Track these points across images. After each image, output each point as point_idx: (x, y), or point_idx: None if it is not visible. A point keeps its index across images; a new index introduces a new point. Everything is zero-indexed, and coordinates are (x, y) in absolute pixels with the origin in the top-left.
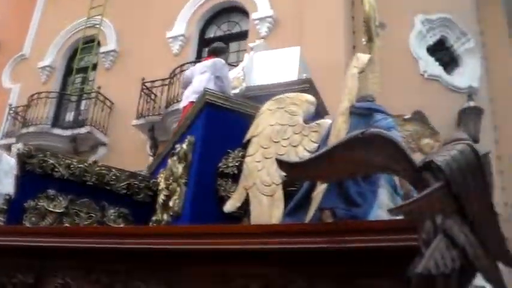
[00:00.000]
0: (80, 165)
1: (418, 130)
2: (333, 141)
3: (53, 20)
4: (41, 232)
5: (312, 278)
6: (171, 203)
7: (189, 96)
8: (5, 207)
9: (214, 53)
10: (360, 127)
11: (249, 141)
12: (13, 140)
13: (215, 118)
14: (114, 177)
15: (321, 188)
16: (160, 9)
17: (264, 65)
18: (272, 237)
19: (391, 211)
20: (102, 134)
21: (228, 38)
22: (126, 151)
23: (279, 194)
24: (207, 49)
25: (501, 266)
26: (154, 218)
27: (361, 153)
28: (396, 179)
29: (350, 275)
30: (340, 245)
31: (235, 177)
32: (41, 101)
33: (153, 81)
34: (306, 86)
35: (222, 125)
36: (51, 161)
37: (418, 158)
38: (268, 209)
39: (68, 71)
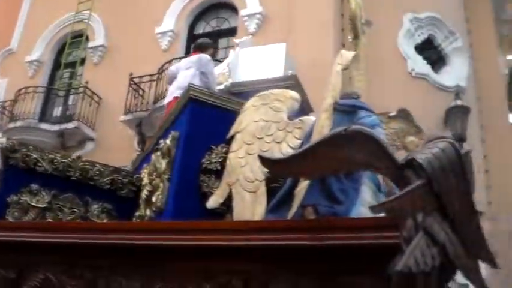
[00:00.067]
0: (63, 160)
1: (403, 128)
2: (316, 137)
3: (41, 14)
4: (24, 227)
5: (294, 274)
6: (154, 199)
7: (173, 91)
8: None
9: (200, 49)
10: (343, 124)
11: (232, 137)
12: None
13: (199, 114)
14: (97, 173)
15: (303, 184)
16: (149, 4)
17: (249, 61)
18: (255, 234)
19: (373, 208)
20: (89, 129)
21: (217, 34)
22: (114, 146)
23: (262, 190)
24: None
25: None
26: (137, 214)
27: (344, 150)
28: (380, 177)
29: (332, 272)
30: (322, 242)
31: (219, 173)
32: (28, 96)
33: (141, 77)
34: (291, 82)
35: (206, 121)
36: (34, 156)
37: (402, 155)
38: (251, 205)
39: (56, 66)
